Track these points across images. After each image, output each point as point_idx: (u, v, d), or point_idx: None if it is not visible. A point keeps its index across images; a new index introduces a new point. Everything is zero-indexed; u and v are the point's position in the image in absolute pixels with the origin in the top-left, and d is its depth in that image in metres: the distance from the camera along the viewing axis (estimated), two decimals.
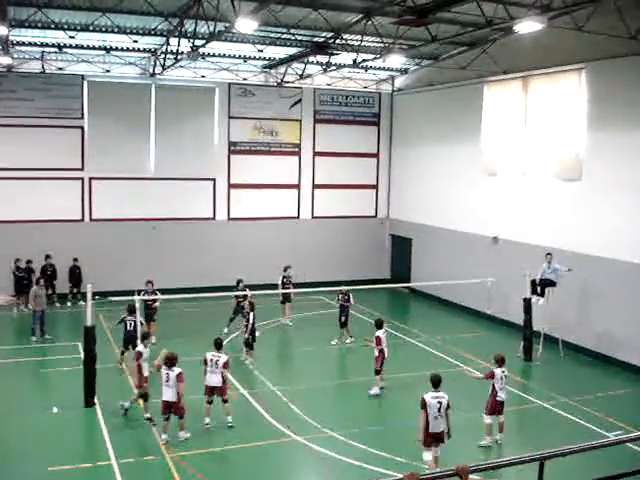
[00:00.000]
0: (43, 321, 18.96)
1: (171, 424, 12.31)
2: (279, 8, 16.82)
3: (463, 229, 23.44)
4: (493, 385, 12.57)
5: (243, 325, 17.66)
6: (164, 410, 12.28)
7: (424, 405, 10.84)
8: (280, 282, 21.07)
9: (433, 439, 10.93)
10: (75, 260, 23.03)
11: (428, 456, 10.98)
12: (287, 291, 20.79)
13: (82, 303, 22.11)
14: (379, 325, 15.06)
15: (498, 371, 12.58)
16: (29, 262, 21.74)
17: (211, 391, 12.99)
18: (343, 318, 19.15)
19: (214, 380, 12.92)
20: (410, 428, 13.27)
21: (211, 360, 12.94)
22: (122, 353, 16.47)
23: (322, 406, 14.62)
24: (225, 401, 13.07)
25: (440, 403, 10.85)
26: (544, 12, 13.87)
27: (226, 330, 19.50)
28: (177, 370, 12.17)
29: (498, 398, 12.50)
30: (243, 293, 19.06)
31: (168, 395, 12.23)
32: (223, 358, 12.96)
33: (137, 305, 15.79)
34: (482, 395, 15.35)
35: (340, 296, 19.36)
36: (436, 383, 11.08)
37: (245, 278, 20.00)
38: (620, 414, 13.89)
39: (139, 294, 17.15)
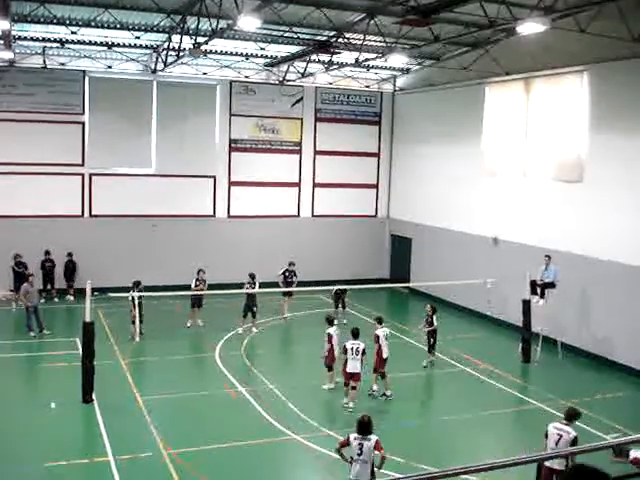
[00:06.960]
0: (38, 316, 18.91)
1: None
2: (282, 6, 16.80)
3: (463, 229, 23.42)
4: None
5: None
6: None
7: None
8: (282, 274, 21.30)
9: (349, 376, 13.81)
10: (69, 255, 23.02)
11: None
12: (290, 289, 20.98)
13: (71, 298, 22.27)
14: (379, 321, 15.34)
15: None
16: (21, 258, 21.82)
17: (350, 377, 14.03)
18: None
19: (356, 366, 13.94)
20: (408, 428, 13.37)
21: (351, 348, 14.01)
22: None
23: (320, 405, 14.64)
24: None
25: (353, 349, 13.83)
26: (547, 14, 13.87)
27: (241, 331, 19.57)
28: (374, 438, 9.18)
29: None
30: (253, 291, 19.42)
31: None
32: (362, 345, 14.06)
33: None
34: (481, 395, 15.42)
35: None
36: (356, 334, 14.12)
37: (244, 275, 20.00)
38: (618, 416, 13.89)
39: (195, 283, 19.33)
